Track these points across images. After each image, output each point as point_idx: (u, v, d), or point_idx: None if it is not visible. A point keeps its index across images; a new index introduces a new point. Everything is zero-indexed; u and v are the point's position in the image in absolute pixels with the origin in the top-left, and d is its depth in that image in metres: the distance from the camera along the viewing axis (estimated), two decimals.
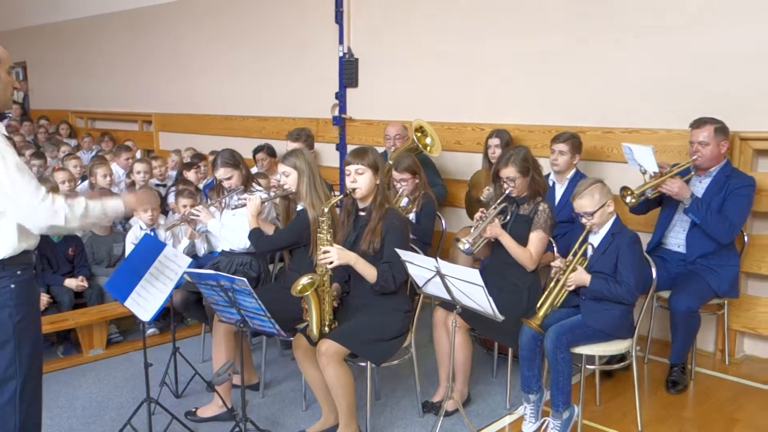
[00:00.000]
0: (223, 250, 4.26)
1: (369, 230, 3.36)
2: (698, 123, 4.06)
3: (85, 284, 4.68)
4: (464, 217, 5.34)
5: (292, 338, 3.54)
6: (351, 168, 3.36)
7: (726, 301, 4.26)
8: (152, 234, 4.79)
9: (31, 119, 10.69)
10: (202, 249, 5.11)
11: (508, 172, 3.68)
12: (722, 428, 3.61)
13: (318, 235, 3.31)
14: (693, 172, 4.14)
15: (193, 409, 3.74)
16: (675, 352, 4.05)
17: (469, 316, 3.40)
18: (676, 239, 4.21)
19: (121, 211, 2.79)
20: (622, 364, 3.78)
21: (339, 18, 6.41)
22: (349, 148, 6.14)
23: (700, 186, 4.13)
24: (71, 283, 4.64)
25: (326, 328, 3.31)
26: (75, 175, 5.98)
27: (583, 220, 3.47)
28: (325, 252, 3.23)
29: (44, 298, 4.46)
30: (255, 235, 3.80)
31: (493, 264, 3.85)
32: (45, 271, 4.66)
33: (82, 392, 4.07)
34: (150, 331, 4.88)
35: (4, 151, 2.45)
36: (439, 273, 3.04)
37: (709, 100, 4.31)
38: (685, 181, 4.03)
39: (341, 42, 6.44)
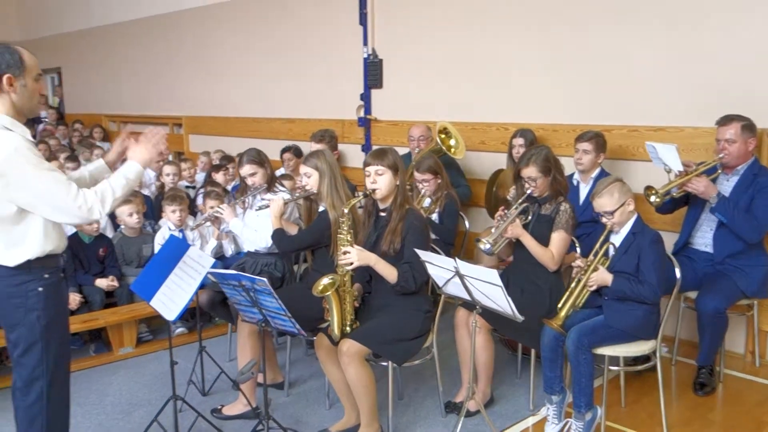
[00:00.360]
0: (248, 251, 4.32)
1: (389, 231, 3.38)
2: (725, 120, 4.00)
3: (116, 284, 4.78)
4: (488, 217, 5.33)
5: (314, 338, 3.57)
6: (371, 169, 3.39)
7: (756, 302, 4.19)
8: (180, 235, 4.89)
9: (66, 123, 10.95)
10: (229, 250, 5.19)
11: (530, 171, 3.67)
12: (750, 431, 3.55)
13: (338, 235, 3.35)
14: (720, 171, 4.08)
15: (219, 407, 3.81)
16: (702, 354, 4.00)
17: (491, 316, 3.40)
18: (704, 239, 4.14)
19: (139, 169, 2.82)
20: (647, 365, 3.74)
21: (363, 20, 6.45)
22: (375, 148, 6.16)
23: (727, 184, 4.06)
24: (102, 283, 4.75)
25: (347, 328, 3.34)
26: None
27: (604, 220, 3.45)
28: (345, 252, 3.26)
29: (76, 298, 4.57)
30: (278, 235, 3.85)
31: (516, 264, 3.85)
32: (77, 272, 4.77)
33: (112, 389, 4.16)
34: (179, 330, 4.98)
35: (31, 156, 2.53)
36: (458, 273, 3.04)
37: (736, 97, 4.24)
38: (711, 180, 3.97)
39: (365, 43, 6.48)
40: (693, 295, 4.04)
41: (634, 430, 3.57)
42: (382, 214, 3.49)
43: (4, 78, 2.54)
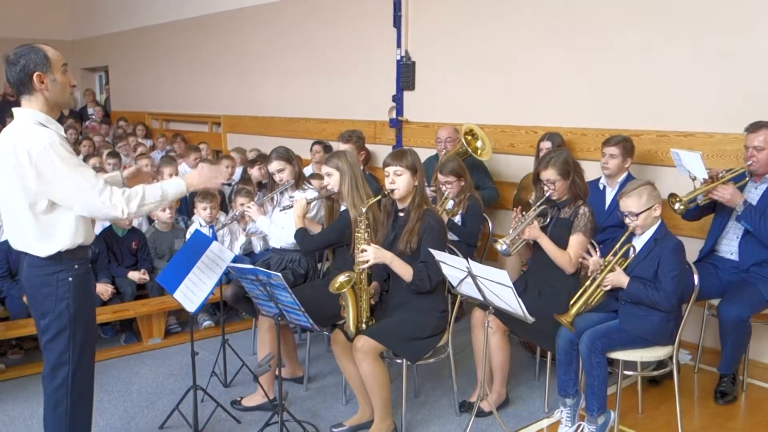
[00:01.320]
0: (274, 248, 4.41)
1: (407, 230, 3.44)
2: (754, 127, 3.94)
3: (147, 277, 4.94)
4: None
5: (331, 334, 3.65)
6: (390, 170, 3.45)
7: None
8: (210, 231, 5.01)
9: (110, 120, 11.29)
10: (258, 246, 5.31)
11: (549, 174, 3.69)
12: None
13: (356, 234, 3.42)
14: (748, 178, 4.02)
15: (239, 399, 3.92)
16: (724, 362, 3.94)
17: (507, 318, 3.42)
18: (729, 246, 4.08)
19: (182, 189, 2.91)
20: (663, 370, 3.71)
21: (397, 22, 6.50)
22: (394, 150, 6.21)
23: (755, 192, 4.00)
24: (134, 275, 4.91)
25: (363, 325, 3.41)
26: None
27: (627, 220, 3.43)
28: (362, 251, 3.33)
29: (108, 289, 4.74)
30: (300, 234, 3.94)
31: (534, 267, 3.86)
32: (111, 263, 4.95)
33: (139, 378, 4.31)
34: (206, 323, 5.12)
35: (63, 152, 2.66)
36: (470, 274, 3.08)
37: (766, 103, 4.17)
38: (739, 187, 3.92)
39: (399, 45, 6.53)
40: (717, 302, 3.99)
41: None
42: (401, 214, 3.55)
43: (35, 76, 2.66)
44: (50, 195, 2.68)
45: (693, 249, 4.29)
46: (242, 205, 4.76)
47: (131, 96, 11.63)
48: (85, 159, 6.74)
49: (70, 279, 2.79)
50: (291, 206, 4.09)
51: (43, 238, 2.73)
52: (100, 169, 5.80)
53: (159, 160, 7.03)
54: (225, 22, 9.03)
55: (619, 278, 3.36)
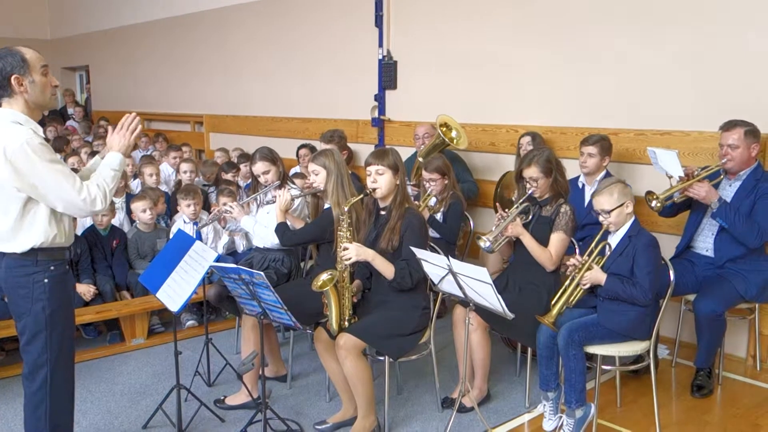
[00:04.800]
0: (257, 247, 4.43)
1: (388, 229, 3.48)
2: (728, 125, 4.02)
3: (92, 291, 4.73)
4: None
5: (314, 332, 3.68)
6: (371, 169, 3.48)
7: (757, 306, 4.20)
8: (194, 228, 5.01)
9: (92, 120, 11.20)
10: (241, 245, 5.32)
11: (531, 172, 3.74)
12: None
13: (338, 232, 3.45)
14: (723, 176, 4.10)
15: (223, 398, 3.93)
16: (700, 356, 4.02)
17: (488, 315, 3.46)
18: (705, 243, 4.16)
19: (120, 157, 2.90)
20: (641, 364, 3.78)
21: (378, 22, 6.54)
22: (376, 149, 6.25)
23: (730, 189, 4.08)
24: (80, 288, 4.69)
25: (345, 323, 3.44)
26: (127, 173, 6.27)
27: (601, 218, 3.50)
28: (344, 249, 3.37)
29: (91, 289, 4.73)
30: (281, 228, 3.96)
31: (515, 264, 3.92)
32: (95, 262, 4.94)
33: (122, 378, 4.31)
34: (189, 322, 5.12)
35: (40, 149, 2.66)
36: (451, 271, 3.12)
37: (742, 102, 4.26)
38: (714, 185, 3.99)
39: (380, 45, 6.57)
40: (693, 297, 4.07)
41: (627, 429, 3.61)
42: (382, 212, 3.59)
43: (12, 79, 2.68)
44: (28, 191, 2.69)
45: (670, 245, 4.37)
46: (225, 204, 4.77)
47: (113, 95, 11.56)
48: (65, 159, 6.71)
49: (46, 280, 2.80)
50: (274, 201, 4.11)
51: (19, 234, 2.74)
52: (78, 170, 5.78)
53: (139, 160, 7.01)
54: (207, 22, 9.02)
55: (597, 276, 3.42)
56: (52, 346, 2.82)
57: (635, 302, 3.35)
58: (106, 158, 2.91)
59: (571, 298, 3.48)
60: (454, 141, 5.34)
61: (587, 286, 3.45)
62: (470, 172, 5.61)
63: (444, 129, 5.34)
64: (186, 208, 5.10)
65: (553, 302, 3.49)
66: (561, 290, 3.50)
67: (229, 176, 6.21)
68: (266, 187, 4.24)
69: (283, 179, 4.30)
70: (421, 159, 4.89)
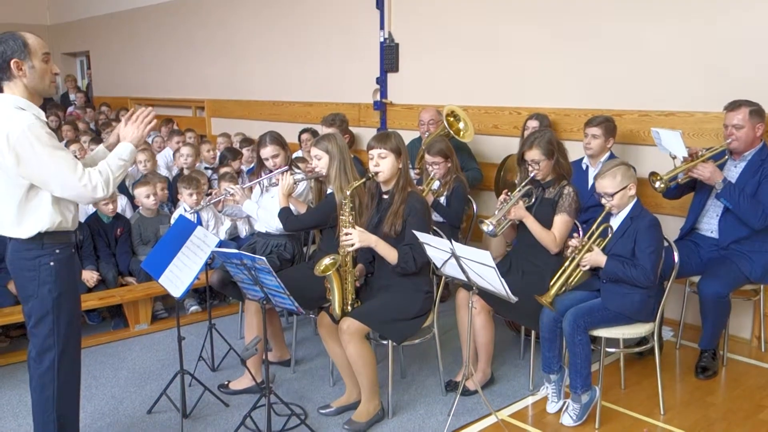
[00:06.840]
0: (259, 232, 4.41)
1: (391, 213, 3.46)
2: (733, 105, 3.98)
3: (95, 278, 4.77)
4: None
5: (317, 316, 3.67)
6: (374, 152, 3.46)
7: (762, 287, 4.18)
8: (195, 216, 5.00)
9: (93, 106, 11.17)
10: (243, 231, 5.32)
11: (533, 154, 3.71)
12: (746, 414, 3.57)
13: (341, 217, 3.43)
14: (728, 156, 4.07)
15: (226, 382, 3.94)
16: (705, 338, 4.01)
17: (491, 298, 3.46)
18: (709, 224, 4.14)
19: (132, 147, 2.91)
20: (645, 347, 3.77)
21: (380, 4, 6.48)
22: (378, 132, 6.23)
23: (735, 170, 4.05)
24: (86, 275, 4.72)
25: (348, 307, 3.43)
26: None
27: (603, 201, 3.48)
28: (347, 234, 3.35)
29: (94, 276, 4.73)
30: (284, 213, 3.94)
31: (518, 247, 3.90)
32: (98, 249, 4.93)
33: (127, 364, 4.32)
34: (193, 308, 5.13)
35: (42, 135, 2.66)
36: (454, 255, 3.11)
37: (746, 82, 4.22)
38: (719, 165, 3.96)
39: (382, 27, 6.52)
40: (697, 279, 4.05)
41: (631, 411, 3.61)
42: (385, 196, 3.57)
43: (12, 63, 2.68)
44: (30, 177, 2.70)
45: (674, 227, 4.35)
46: (228, 187, 4.75)
47: (114, 81, 11.51)
48: (67, 145, 6.69)
49: (52, 263, 2.80)
50: (277, 184, 4.08)
51: (23, 220, 2.75)
52: (81, 156, 5.77)
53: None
54: (208, 6, 8.95)
55: (597, 258, 3.40)
56: (59, 328, 2.83)
57: (637, 284, 3.33)
58: (117, 148, 2.91)
59: (571, 279, 3.47)
60: (461, 134, 5.24)
61: (587, 267, 3.44)
62: (475, 160, 5.56)
63: (451, 119, 5.25)
64: (188, 197, 5.07)
65: (551, 282, 3.47)
66: (560, 270, 3.49)
67: (234, 165, 6.18)
68: (272, 172, 4.21)
69: (290, 164, 4.28)
70: (424, 148, 4.83)
